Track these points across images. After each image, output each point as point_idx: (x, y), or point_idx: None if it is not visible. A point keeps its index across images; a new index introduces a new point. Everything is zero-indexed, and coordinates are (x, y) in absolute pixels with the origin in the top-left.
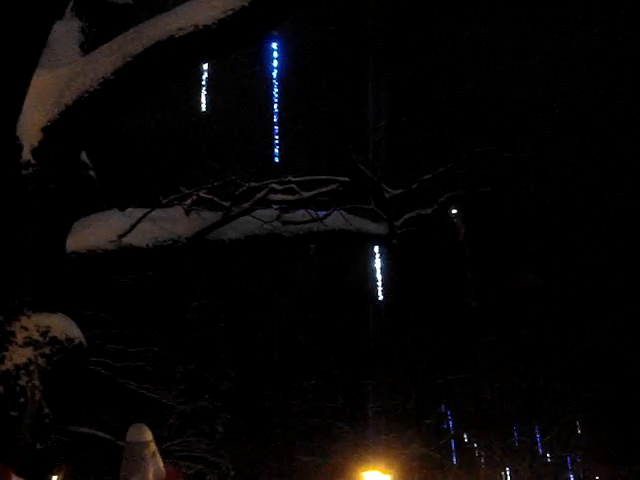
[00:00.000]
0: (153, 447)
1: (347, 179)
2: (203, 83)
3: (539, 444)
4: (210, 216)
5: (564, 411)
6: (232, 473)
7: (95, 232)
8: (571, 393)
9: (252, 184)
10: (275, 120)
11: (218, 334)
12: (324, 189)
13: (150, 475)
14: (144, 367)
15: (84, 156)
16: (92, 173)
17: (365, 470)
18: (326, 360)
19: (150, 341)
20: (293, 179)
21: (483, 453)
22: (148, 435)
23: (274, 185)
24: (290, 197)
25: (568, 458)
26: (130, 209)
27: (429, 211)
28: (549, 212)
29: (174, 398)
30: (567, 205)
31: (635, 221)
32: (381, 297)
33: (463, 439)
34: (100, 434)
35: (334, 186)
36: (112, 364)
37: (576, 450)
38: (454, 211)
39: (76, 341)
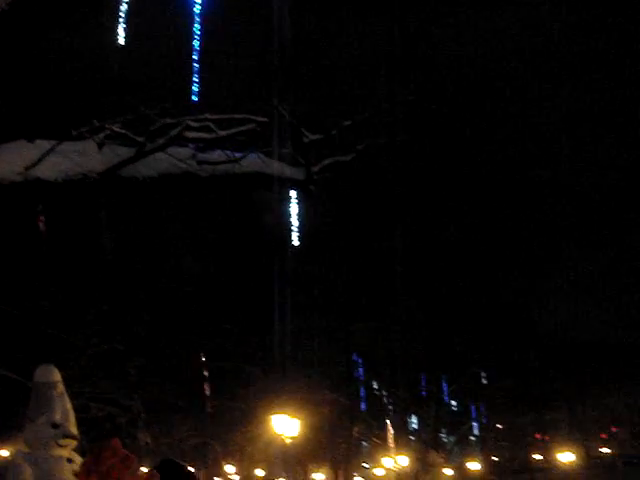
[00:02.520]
0: (61, 388)
1: (265, 119)
2: (122, 14)
3: (445, 393)
4: (123, 151)
5: (470, 362)
6: (143, 416)
7: (0, 162)
8: (478, 346)
9: (167, 120)
10: (195, 57)
11: (134, 277)
12: (242, 128)
13: (57, 416)
14: (56, 307)
15: None
16: None
17: (274, 413)
18: (240, 305)
19: (63, 281)
20: (210, 117)
21: (391, 400)
22: (56, 375)
23: (190, 122)
24: (206, 135)
25: (472, 407)
26: (39, 140)
27: (347, 158)
28: (469, 168)
29: (86, 339)
30: (487, 164)
31: (552, 187)
32: (296, 242)
33: (372, 387)
34: (8, 374)
35: (252, 126)
36: (22, 303)
37: (480, 400)
38: None
39: None
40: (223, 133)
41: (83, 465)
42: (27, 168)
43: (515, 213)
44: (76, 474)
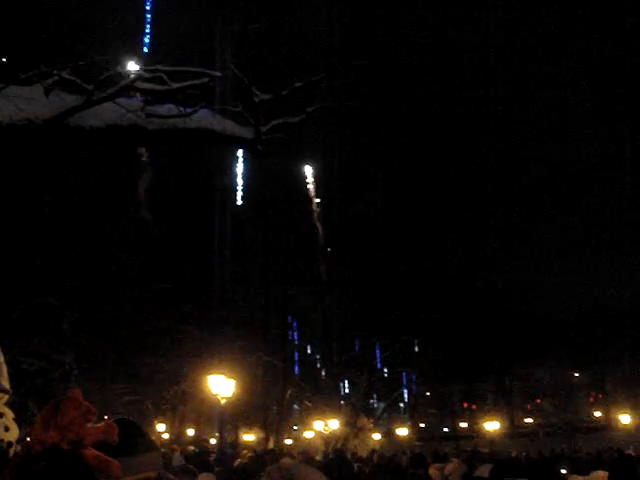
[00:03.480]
0: None
1: (219, 74)
2: None
3: (378, 359)
4: (71, 99)
5: (404, 330)
6: (75, 372)
7: None
8: (412, 314)
9: (119, 69)
10: (147, 8)
11: (70, 230)
12: (194, 82)
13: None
14: None
15: None
16: None
17: (210, 373)
18: (179, 263)
19: None
20: (162, 68)
21: (324, 365)
22: None
23: (142, 72)
24: (158, 87)
25: (403, 374)
26: None
27: (296, 119)
28: (425, 134)
29: (19, 293)
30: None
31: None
32: (240, 202)
33: (306, 350)
34: None
35: (205, 80)
36: None
37: (411, 367)
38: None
39: None
40: (175, 85)
41: (40, 418)
42: None
43: (460, 181)
44: (32, 427)
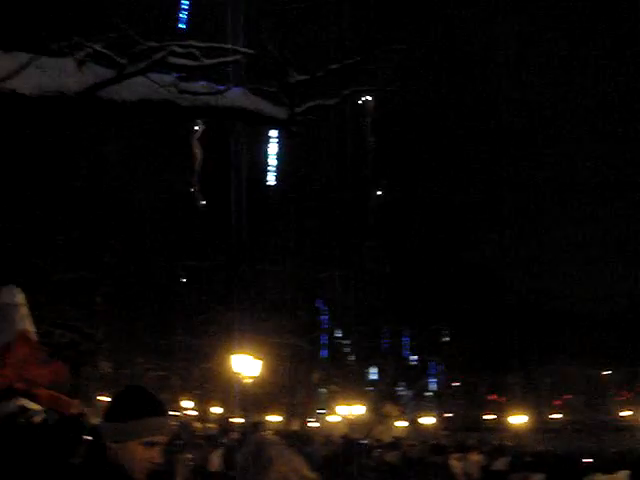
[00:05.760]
0: (24, 311)
1: (252, 52)
2: None
3: (406, 347)
4: (103, 72)
5: (433, 319)
6: (105, 345)
7: None
8: (443, 302)
9: (152, 44)
10: None
11: (106, 205)
12: (227, 59)
13: (19, 338)
14: (23, 230)
15: None
16: None
17: (236, 353)
18: (211, 242)
19: (32, 204)
20: (195, 44)
21: (352, 350)
22: (20, 298)
23: (175, 48)
24: (191, 62)
25: (431, 363)
26: (16, 52)
27: (332, 102)
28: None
29: (53, 265)
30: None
31: None
32: (272, 182)
33: (334, 334)
34: None
35: (238, 57)
36: None
37: (439, 356)
38: None
39: None
40: (208, 62)
41: None
42: (2, 79)
43: (498, 172)
44: None
